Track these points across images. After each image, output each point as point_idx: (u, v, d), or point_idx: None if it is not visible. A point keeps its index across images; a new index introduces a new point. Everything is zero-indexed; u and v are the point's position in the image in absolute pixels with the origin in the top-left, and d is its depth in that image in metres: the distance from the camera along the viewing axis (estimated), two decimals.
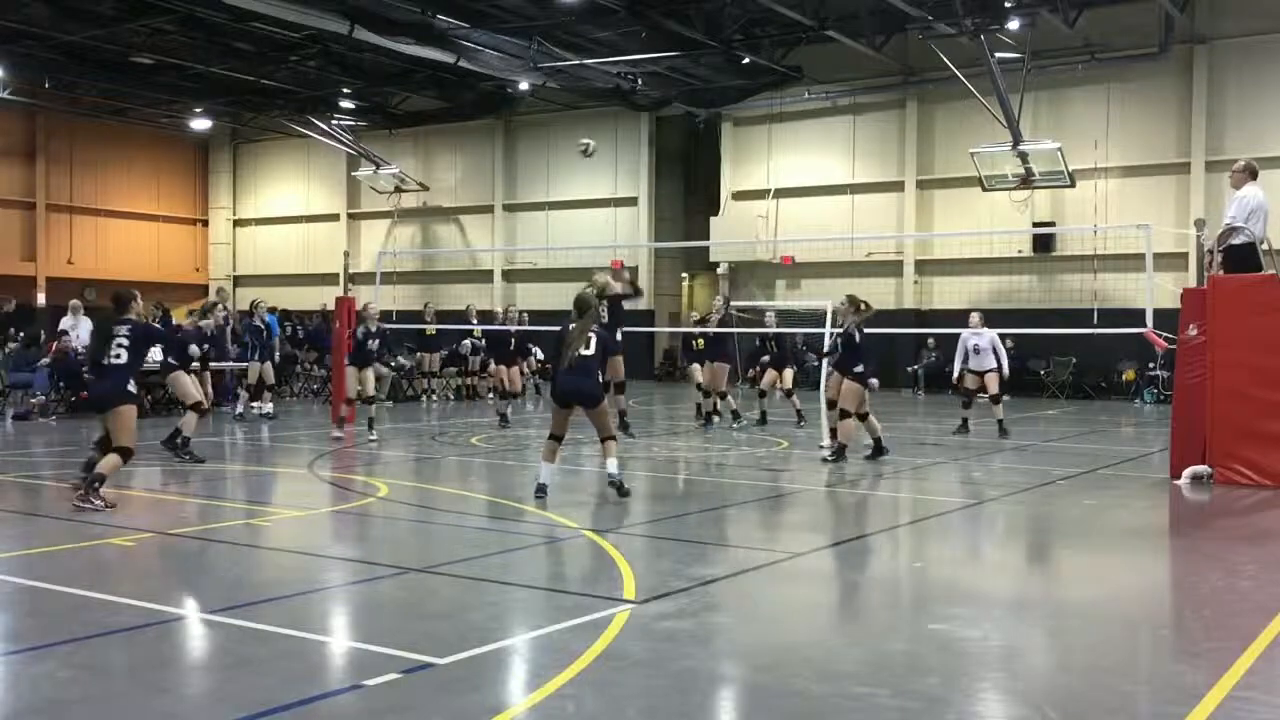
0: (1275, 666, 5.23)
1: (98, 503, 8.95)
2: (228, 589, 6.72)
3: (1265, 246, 11.38)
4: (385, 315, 19.00)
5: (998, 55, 23.15)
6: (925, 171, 27.83)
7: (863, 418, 12.99)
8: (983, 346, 16.16)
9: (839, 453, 12.70)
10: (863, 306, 13.35)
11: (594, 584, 6.85)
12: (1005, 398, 16.56)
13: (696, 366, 17.88)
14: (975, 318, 16.46)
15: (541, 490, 9.75)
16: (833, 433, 13.44)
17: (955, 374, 16.62)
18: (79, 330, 18.88)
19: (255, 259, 38.29)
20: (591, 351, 9.80)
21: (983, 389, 16.18)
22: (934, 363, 26.90)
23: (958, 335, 16.45)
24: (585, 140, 19.70)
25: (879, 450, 13.03)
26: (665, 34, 24.17)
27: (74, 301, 20.49)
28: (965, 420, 16.32)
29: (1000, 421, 16.11)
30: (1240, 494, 10.68)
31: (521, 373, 19.18)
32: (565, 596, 6.42)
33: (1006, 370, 16.36)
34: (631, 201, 31.84)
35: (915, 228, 27.48)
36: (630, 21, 23.74)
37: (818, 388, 16.77)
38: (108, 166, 35.99)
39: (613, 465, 9.88)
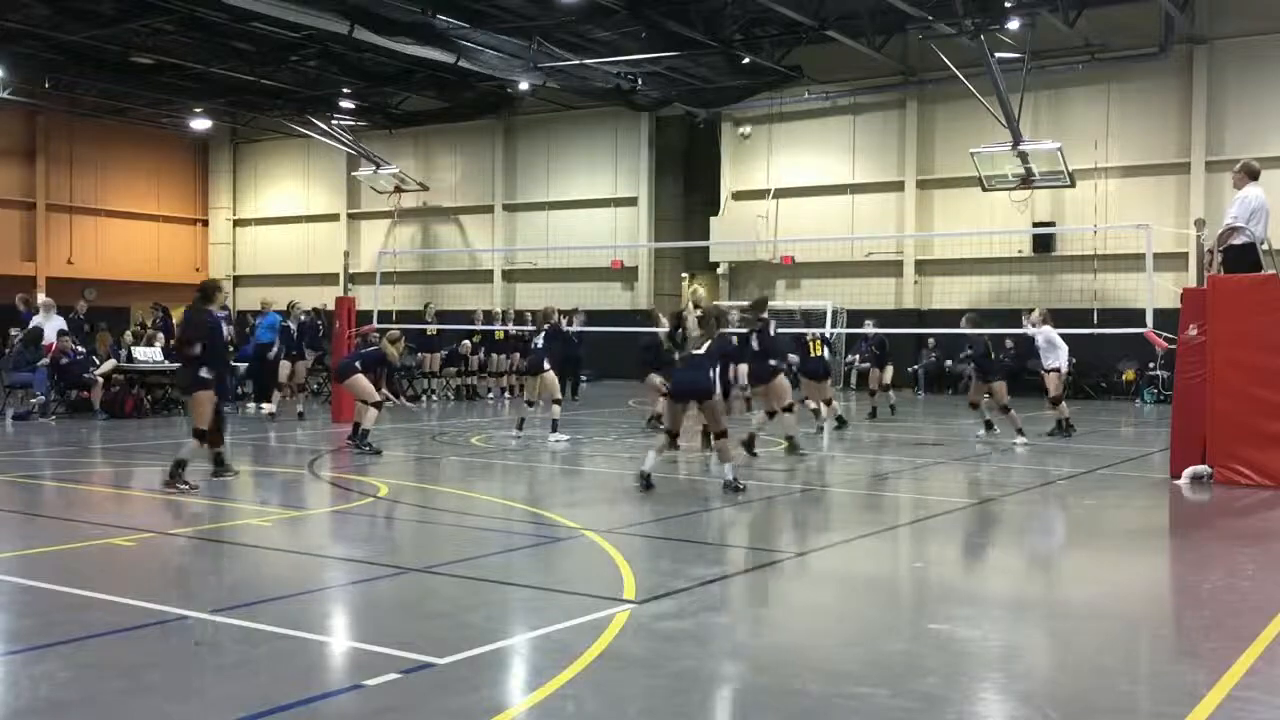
0: (1275, 666, 5.22)
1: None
2: (228, 589, 6.73)
3: (1265, 246, 11.38)
4: (385, 315, 19.04)
5: (998, 55, 23.15)
6: (925, 171, 27.82)
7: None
8: (1040, 343, 16.08)
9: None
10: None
11: (594, 584, 6.85)
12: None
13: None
14: (1036, 314, 16.46)
15: (644, 480, 10.35)
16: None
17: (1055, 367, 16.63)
18: (49, 328, 18.87)
19: (255, 259, 38.28)
20: (703, 351, 10.41)
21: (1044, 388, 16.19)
22: (934, 363, 26.91)
23: (958, 335, 16.48)
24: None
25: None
26: (665, 34, 24.16)
27: (45, 299, 20.54)
28: (1059, 422, 16.12)
29: (1059, 421, 16.05)
30: (1240, 494, 10.67)
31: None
32: (565, 596, 6.42)
33: (1062, 366, 16.25)
34: (631, 201, 31.83)
35: (915, 228, 27.48)
36: (630, 21, 23.74)
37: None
38: (108, 166, 35.99)
39: (728, 470, 10.36)
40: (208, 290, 10.60)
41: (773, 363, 13.25)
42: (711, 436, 10.82)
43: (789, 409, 13.41)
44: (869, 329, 19.46)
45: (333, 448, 13.71)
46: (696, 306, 14.54)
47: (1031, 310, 16.90)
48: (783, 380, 13.42)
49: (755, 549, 8.30)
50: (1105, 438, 16.95)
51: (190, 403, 10.20)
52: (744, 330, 13.60)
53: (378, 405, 13.71)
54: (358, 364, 14.05)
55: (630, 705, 4.64)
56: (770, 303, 27.91)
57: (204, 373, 9.99)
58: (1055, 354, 16.04)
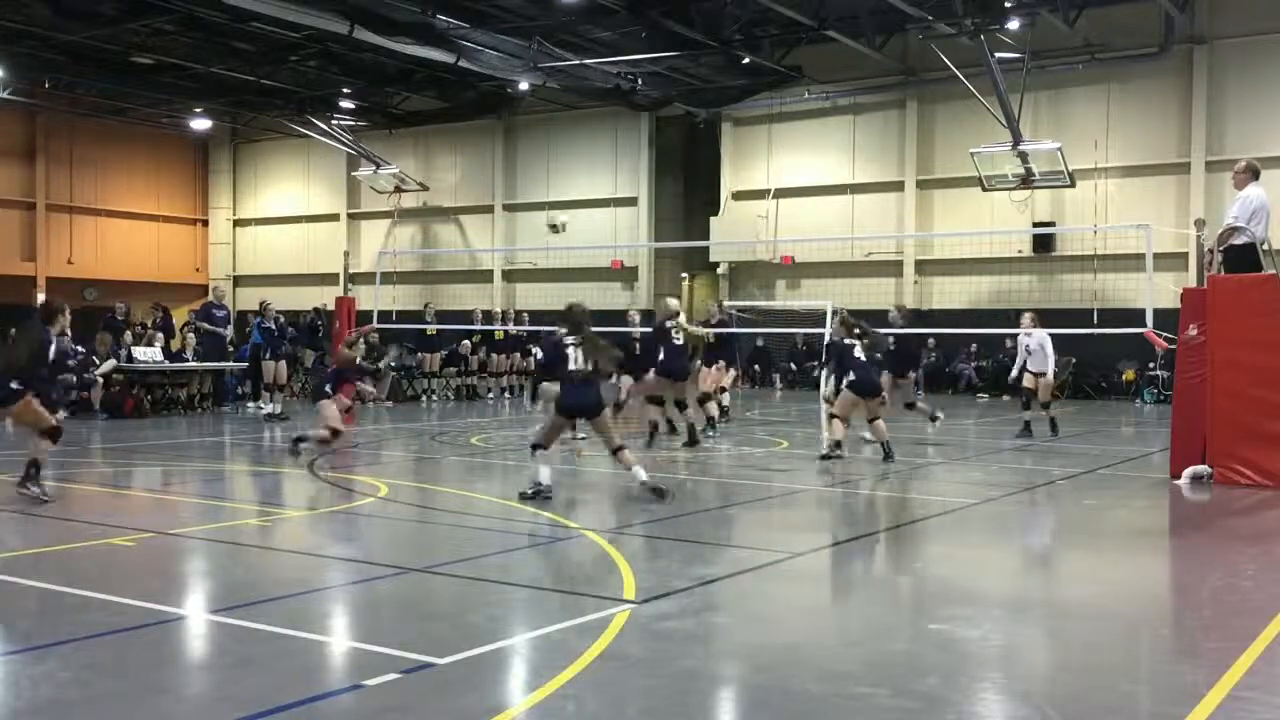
0: (1275, 666, 5.23)
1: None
2: (228, 589, 6.73)
3: (1266, 247, 11.38)
4: (385, 315, 19.04)
5: (998, 55, 23.15)
6: (925, 171, 27.82)
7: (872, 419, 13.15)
8: (1033, 347, 16.03)
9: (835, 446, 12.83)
10: (857, 330, 13.40)
11: (594, 584, 6.85)
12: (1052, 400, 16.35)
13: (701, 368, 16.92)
14: (1027, 318, 16.36)
15: (533, 491, 9.73)
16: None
17: (1013, 375, 16.56)
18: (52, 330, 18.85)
19: (255, 259, 38.27)
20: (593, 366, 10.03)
21: (1035, 391, 16.09)
22: (934, 363, 26.93)
23: (958, 335, 16.47)
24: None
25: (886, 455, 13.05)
26: (665, 34, 24.16)
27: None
28: (1027, 423, 16.16)
29: (1052, 419, 16.05)
30: (1240, 494, 10.67)
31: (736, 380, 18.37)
32: (565, 596, 6.42)
33: (1051, 374, 16.24)
34: (631, 201, 31.83)
35: (915, 228, 27.48)
36: (630, 21, 23.74)
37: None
38: (108, 166, 35.96)
39: (641, 473, 9.87)
40: (49, 312, 10.05)
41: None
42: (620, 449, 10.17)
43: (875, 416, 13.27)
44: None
45: (329, 449, 13.68)
46: (677, 315, 14.55)
47: (1024, 314, 16.73)
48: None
49: (755, 549, 8.29)
50: (1105, 438, 16.96)
51: (15, 414, 9.69)
52: (843, 339, 13.41)
53: (333, 433, 12.75)
54: (328, 388, 13.15)
55: (630, 705, 4.64)
56: (769, 303, 28.08)
57: (14, 384, 9.48)
58: (1047, 360, 16.09)
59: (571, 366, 10.00)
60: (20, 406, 9.50)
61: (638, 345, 15.93)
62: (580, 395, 10.02)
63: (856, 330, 13.28)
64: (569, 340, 10.09)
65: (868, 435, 13.58)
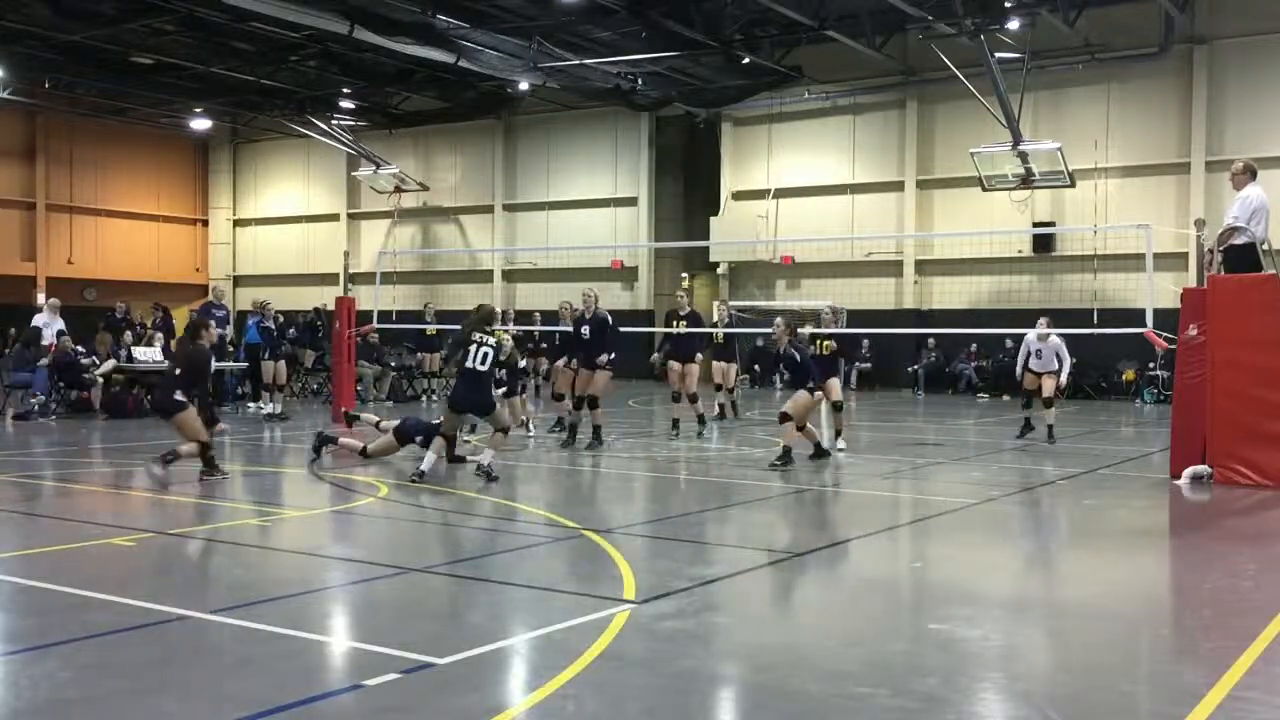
0: (1275, 666, 5.22)
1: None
2: (228, 589, 6.73)
3: (1265, 246, 11.38)
4: (385, 315, 19.03)
5: (998, 55, 23.16)
6: (925, 171, 27.82)
7: (801, 427, 12.82)
8: (1045, 352, 15.65)
9: (784, 456, 12.48)
10: (796, 330, 13.57)
11: (594, 584, 6.85)
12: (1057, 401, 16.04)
13: (674, 365, 16.21)
14: (1043, 322, 15.85)
15: (418, 476, 10.78)
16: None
17: (1019, 374, 16.19)
18: (52, 329, 18.91)
19: (255, 259, 38.29)
20: (486, 368, 11.12)
21: (1039, 390, 15.71)
22: (934, 363, 26.93)
23: (957, 335, 16.39)
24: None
25: (820, 453, 13.00)
26: (665, 34, 24.17)
27: (53, 300, 20.55)
28: (1028, 420, 15.95)
29: (1050, 426, 15.58)
30: (1240, 494, 10.67)
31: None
32: (565, 596, 6.42)
33: (1064, 380, 15.86)
34: (631, 201, 31.84)
35: (915, 228, 27.48)
36: (630, 21, 23.75)
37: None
38: (108, 166, 35.99)
39: (488, 456, 11.08)
40: (196, 328, 11.40)
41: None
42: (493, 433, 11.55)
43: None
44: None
45: (330, 450, 13.66)
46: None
47: (1041, 319, 16.35)
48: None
49: (755, 549, 8.29)
50: (1105, 438, 16.95)
51: (177, 423, 10.78)
52: (797, 342, 13.33)
53: (364, 451, 12.58)
54: (419, 438, 12.49)
55: (630, 705, 4.64)
56: (769, 303, 28.06)
57: (179, 397, 10.67)
58: (1058, 364, 15.76)
59: (468, 364, 11.02)
60: (183, 417, 10.64)
61: (558, 337, 16.03)
62: (473, 397, 11.13)
63: (797, 332, 13.38)
64: (475, 338, 11.13)
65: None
